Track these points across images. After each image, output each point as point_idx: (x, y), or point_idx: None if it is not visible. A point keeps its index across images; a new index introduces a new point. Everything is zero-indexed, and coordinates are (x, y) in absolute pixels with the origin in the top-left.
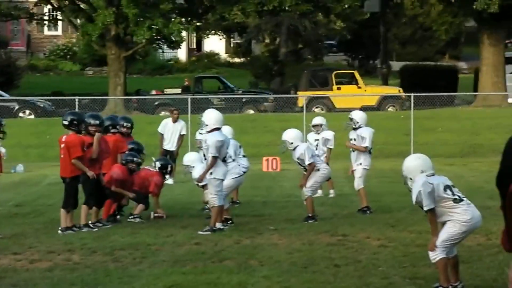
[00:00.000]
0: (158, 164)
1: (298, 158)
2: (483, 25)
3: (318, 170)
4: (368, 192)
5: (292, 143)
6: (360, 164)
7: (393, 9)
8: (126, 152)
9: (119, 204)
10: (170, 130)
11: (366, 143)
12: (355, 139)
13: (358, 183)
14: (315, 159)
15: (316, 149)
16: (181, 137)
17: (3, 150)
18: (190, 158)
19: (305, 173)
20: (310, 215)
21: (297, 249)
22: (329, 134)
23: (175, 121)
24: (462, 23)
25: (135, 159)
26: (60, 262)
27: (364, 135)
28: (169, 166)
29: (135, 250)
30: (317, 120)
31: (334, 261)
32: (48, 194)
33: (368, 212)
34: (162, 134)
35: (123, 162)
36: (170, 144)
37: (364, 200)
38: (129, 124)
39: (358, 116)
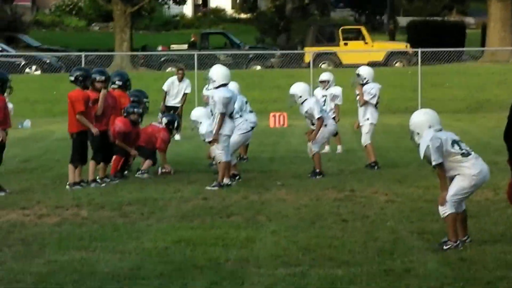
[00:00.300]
0: (165, 120)
1: (306, 112)
2: None
3: (325, 125)
4: (375, 147)
5: (300, 96)
6: (368, 119)
7: None
8: (129, 104)
9: (126, 160)
10: (176, 89)
11: (316, 114)
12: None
13: (365, 139)
14: (323, 114)
15: (324, 105)
16: (185, 95)
17: (10, 105)
18: (197, 113)
19: (312, 127)
20: (317, 170)
21: (305, 205)
22: (337, 90)
23: (180, 80)
24: None
25: (135, 109)
26: (68, 217)
27: (372, 91)
28: (176, 121)
29: (142, 205)
30: (325, 76)
31: (341, 216)
32: (55, 150)
33: (376, 167)
34: (166, 92)
35: (124, 114)
36: (175, 101)
37: (372, 156)
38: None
39: (365, 71)
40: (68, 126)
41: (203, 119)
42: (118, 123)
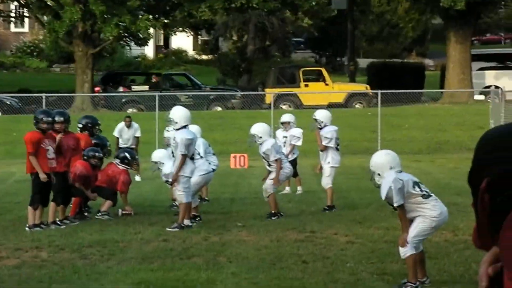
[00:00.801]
0: (118, 160)
1: (263, 153)
2: (450, 23)
3: (281, 168)
4: (336, 188)
5: (261, 137)
6: (329, 162)
7: (360, 6)
8: (88, 147)
9: (86, 201)
10: (126, 134)
11: (273, 156)
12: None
13: (326, 182)
14: (281, 156)
15: (284, 146)
16: (137, 138)
17: None
18: (158, 155)
19: (268, 168)
20: (273, 211)
21: (265, 246)
22: (297, 131)
23: (128, 126)
24: (429, 20)
25: (96, 154)
26: (28, 259)
27: (329, 136)
28: (129, 154)
29: (103, 247)
30: (286, 117)
31: (302, 258)
32: (15, 192)
33: (332, 210)
34: (118, 138)
35: (85, 157)
36: (127, 145)
37: (330, 199)
38: (61, 119)
39: (321, 115)
40: (26, 167)
41: (165, 160)
42: (79, 166)
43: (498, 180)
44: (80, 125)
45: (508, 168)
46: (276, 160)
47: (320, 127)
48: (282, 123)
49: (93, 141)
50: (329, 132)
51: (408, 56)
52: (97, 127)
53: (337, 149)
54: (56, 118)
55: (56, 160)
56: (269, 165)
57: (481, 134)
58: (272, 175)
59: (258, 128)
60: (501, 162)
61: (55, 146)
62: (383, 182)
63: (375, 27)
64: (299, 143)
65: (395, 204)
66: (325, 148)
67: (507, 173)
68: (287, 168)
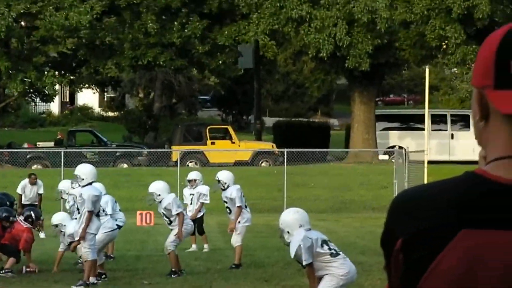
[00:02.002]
0: (21, 217)
1: (165, 209)
2: (354, 83)
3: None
4: (243, 246)
5: (159, 194)
6: (239, 222)
7: (266, 66)
8: (4, 207)
9: None
10: (30, 191)
11: (238, 203)
12: (226, 202)
13: (236, 240)
14: (182, 210)
15: (191, 203)
16: (40, 195)
17: None
18: (59, 217)
19: (169, 227)
20: (173, 269)
21: None
22: (204, 189)
23: (33, 184)
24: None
25: (11, 218)
26: None
27: (233, 196)
28: (33, 213)
29: None
30: (192, 175)
31: None
32: None
33: (239, 268)
34: (21, 195)
35: None
36: (30, 201)
37: (238, 257)
38: None
39: (224, 176)
40: None
41: (66, 221)
42: None
43: (412, 240)
44: None
45: (421, 228)
46: (178, 214)
47: (223, 188)
48: (189, 181)
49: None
50: (233, 193)
51: (314, 116)
52: None
53: (246, 207)
54: None
55: None
56: (170, 223)
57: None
58: (174, 232)
59: (156, 186)
60: (414, 222)
61: None
62: (292, 241)
63: (281, 87)
64: (207, 200)
65: (304, 263)
66: (240, 209)
67: (420, 232)
68: (188, 224)
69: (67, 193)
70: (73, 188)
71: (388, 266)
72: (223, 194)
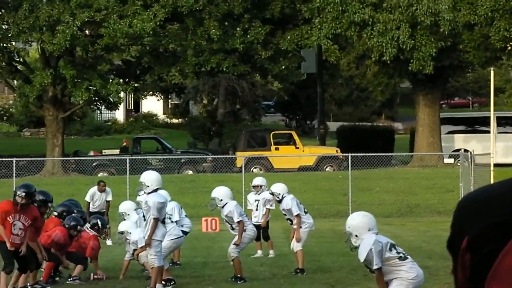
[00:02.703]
0: (88, 225)
1: (226, 216)
2: (418, 86)
3: (245, 230)
4: (307, 251)
5: (221, 200)
6: (301, 227)
7: (329, 70)
8: (73, 216)
9: (57, 266)
10: (98, 199)
11: (295, 211)
12: (285, 214)
13: (296, 245)
14: (243, 218)
15: (256, 209)
16: (108, 202)
17: None
18: (125, 225)
19: (232, 232)
20: (238, 275)
21: None
22: (269, 194)
23: (102, 191)
24: (398, 84)
25: (79, 227)
26: None
27: (289, 206)
28: (100, 221)
29: None
30: (258, 181)
31: None
32: None
33: (303, 274)
34: (89, 202)
35: (67, 226)
36: (98, 209)
37: (301, 262)
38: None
39: (279, 188)
40: None
41: (131, 229)
42: (58, 233)
43: (478, 238)
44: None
45: (488, 225)
46: (238, 222)
47: (278, 200)
48: (254, 187)
49: (60, 209)
50: (289, 203)
51: (378, 120)
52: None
53: (305, 213)
54: (18, 192)
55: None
56: (232, 229)
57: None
58: (236, 239)
59: (219, 192)
60: (482, 220)
61: (27, 222)
62: (362, 244)
63: (344, 91)
64: (273, 206)
65: (375, 267)
66: (299, 218)
67: (487, 229)
68: (251, 230)
69: (128, 214)
70: (138, 195)
71: (455, 269)
72: (280, 207)
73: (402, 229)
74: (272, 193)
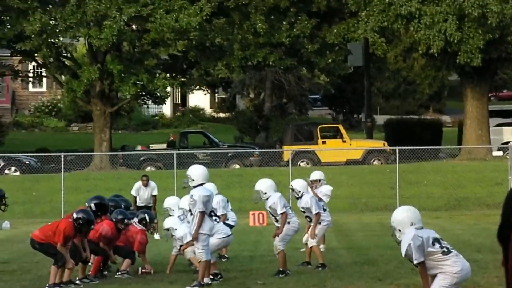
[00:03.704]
0: (136, 219)
1: (270, 207)
2: (466, 79)
3: (289, 223)
4: (355, 245)
5: (265, 193)
6: (319, 223)
7: (376, 63)
8: (119, 209)
9: (106, 261)
10: (143, 193)
11: (314, 211)
12: (304, 212)
13: (311, 241)
14: (287, 210)
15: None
16: (154, 197)
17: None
18: (170, 221)
19: (276, 224)
20: (281, 269)
21: None
22: (327, 189)
23: (145, 185)
24: (445, 77)
25: (126, 220)
26: None
27: (308, 204)
28: (148, 215)
29: None
30: (316, 175)
31: None
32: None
33: (321, 268)
34: (135, 196)
35: (114, 220)
36: (145, 203)
37: (320, 258)
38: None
39: (299, 185)
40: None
41: (177, 225)
42: (106, 227)
43: None
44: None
45: None
46: (282, 213)
47: (297, 196)
48: (312, 181)
49: (122, 204)
50: (308, 201)
51: (425, 113)
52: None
53: (324, 210)
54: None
55: None
56: (277, 221)
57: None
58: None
59: (263, 184)
60: None
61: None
62: (402, 239)
63: (392, 84)
64: (327, 200)
65: (415, 262)
66: (319, 216)
67: None
68: (295, 222)
69: (173, 210)
70: (184, 187)
71: (506, 259)
72: (298, 204)
73: (451, 223)
74: (292, 189)
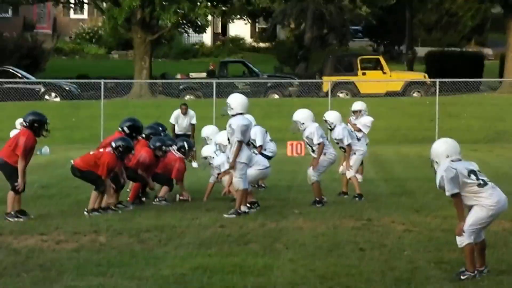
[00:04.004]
0: (174, 147)
1: (307, 138)
2: (510, 11)
3: (325, 154)
4: (393, 177)
5: (303, 123)
6: (355, 153)
7: None
8: (158, 137)
9: (144, 188)
10: (182, 121)
11: (346, 142)
12: (337, 143)
13: (349, 172)
14: (324, 141)
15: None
16: (193, 126)
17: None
18: (208, 149)
19: (312, 154)
20: (317, 199)
21: (322, 233)
22: (368, 120)
23: (184, 114)
24: (488, 9)
25: (163, 147)
26: (86, 243)
27: (340, 136)
28: (186, 144)
29: (160, 232)
30: (357, 105)
31: (359, 245)
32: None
33: (358, 199)
34: (174, 124)
35: (152, 147)
36: (183, 132)
37: (357, 188)
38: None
39: (332, 117)
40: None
41: (213, 136)
42: (143, 154)
43: None
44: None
45: None
46: (319, 144)
47: (330, 128)
48: (354, 112)
49: (147, 131)
50: (340, 132)
51: (467, 45)
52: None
53: (358, 140)
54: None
55: None
56: (313, 151)
57: None
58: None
59: (300, 114)
60: None
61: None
62: (437, 171)
63: (434, 16)
64: (367, 131)
65: (447, 193)
66: (350, 148)
67: None
68: (331, 153)
69: (210, 139)
70: (222, 115)
71: None
72: (332, 135)
73: (490, 155)
74: (325, 121)
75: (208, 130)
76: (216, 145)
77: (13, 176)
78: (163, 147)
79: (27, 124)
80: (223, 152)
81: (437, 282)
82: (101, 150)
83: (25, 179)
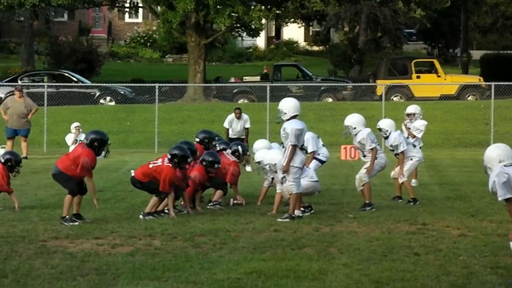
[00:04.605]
0: (229, 150)
1: (359, 143)
2: None
3: (376, 158)
4: (448, 181)
5: (355, 128)
6: (411, 159)
7: None
8: (208, 154)
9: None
10: (236, 126)
11: (401, 148)
12: (392, 150)
13: (401, 177)
14: (376, 146)
15: (408, 138)
16: (246, 129)
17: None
18: (259, 146)
19: (363, 159)
20: (367, 201)
21: (376, 237)
22: (420, 123)
23: (238, 118)
24: None
25: (216, 165)
26: (141, 247)
27: (396, 142)
28: (241, 147)
29: (214, 236)
30: (411, 108)
31: (414, 250)
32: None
33: (413, 203)
34: (228, 129)
35: (204, 163)
36: (237, 136)
37: (411, 192)
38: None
39: (386, 124)
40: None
41: (264, 157)
42: (197, 174)
43: None
44: (197, 139)
45: None
46: (371, 149)
47: (385, 136)
48: (408, 115)
49: (202, 135)
50: (396, 139)
51: None
52: (213, 143)
53: (414, 146)
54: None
55: None
56: (364, 156)
57: None
58: (366, 165)
59: (352, 119)
60: None
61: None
62: (490, 176)
63: (489, 19)
64: (420, 135)
65: (499, 198)
66: (404, 155)
67: None
68: (382, 158)
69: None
70: (277, 122)
71: None
72: (387, 143)
73: None
74: (379, 129)
75: (259, 146)
76: (266, 165)
77: (69, 181)
78: (215, 166)
79: (88, 142)
80: (275, 172)
81: (493, 287)
82: (159, 161)
83: (96, 195)
